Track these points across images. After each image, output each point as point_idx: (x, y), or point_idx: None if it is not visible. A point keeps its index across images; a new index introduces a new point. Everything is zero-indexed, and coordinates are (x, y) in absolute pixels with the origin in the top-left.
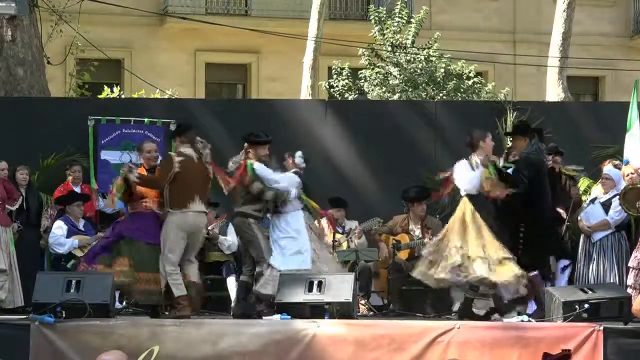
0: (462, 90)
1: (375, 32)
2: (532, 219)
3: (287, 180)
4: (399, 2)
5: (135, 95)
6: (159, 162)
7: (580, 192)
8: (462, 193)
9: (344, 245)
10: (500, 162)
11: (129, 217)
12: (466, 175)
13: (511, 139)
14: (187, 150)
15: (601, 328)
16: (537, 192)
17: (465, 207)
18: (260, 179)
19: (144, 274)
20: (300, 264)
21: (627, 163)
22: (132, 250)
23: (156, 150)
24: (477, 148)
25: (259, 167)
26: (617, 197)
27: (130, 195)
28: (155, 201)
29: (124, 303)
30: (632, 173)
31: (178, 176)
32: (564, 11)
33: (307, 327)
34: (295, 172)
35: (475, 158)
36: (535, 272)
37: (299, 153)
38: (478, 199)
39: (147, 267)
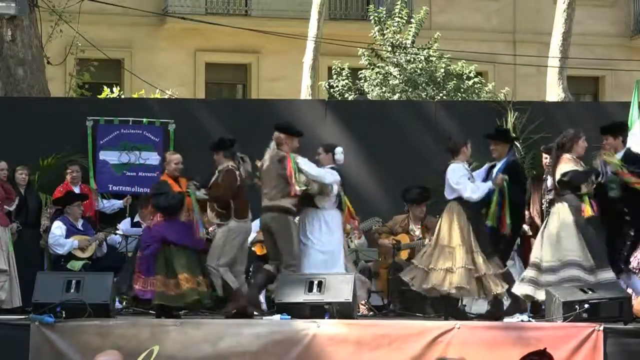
0: (462, 90)
1: (375, 32)
2: None
3: (329, 175)
4: (399, 2)
5: (135, 95)
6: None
7: None
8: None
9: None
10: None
11: (164, 222)
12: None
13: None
14: (232, 164)
15: (601, 328)
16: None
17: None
18: (303, 172)
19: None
20: (326, 264)
21: None
22: (179, 255)
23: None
24: (458, 154)
25: (302, 161)
26: None
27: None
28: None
29: (124, 303)
30: None
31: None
32: (564, 11)
33: (307, 327)
34: (332, 168)
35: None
36: None
37: (339, 149)
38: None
39: (194, 270)
